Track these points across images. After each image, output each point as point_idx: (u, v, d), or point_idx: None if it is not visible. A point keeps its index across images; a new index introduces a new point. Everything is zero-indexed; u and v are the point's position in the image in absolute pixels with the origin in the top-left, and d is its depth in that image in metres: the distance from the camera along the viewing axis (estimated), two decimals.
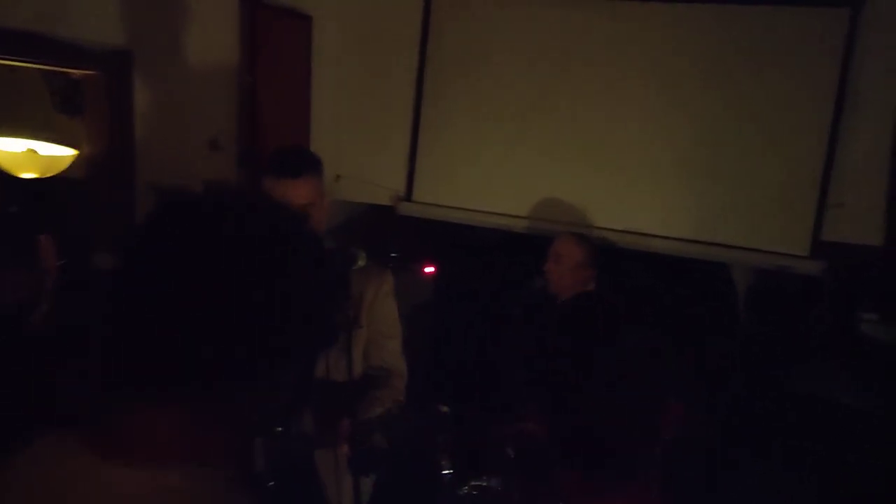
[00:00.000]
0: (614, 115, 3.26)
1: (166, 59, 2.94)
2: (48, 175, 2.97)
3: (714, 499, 2.40)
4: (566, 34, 3.33)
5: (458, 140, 3.56)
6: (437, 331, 3.45)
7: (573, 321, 1.17)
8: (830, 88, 2.90)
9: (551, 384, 1.09)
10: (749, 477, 2.42)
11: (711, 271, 3.22)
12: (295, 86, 3.43)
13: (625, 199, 3.26)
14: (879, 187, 2.86)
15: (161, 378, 0.75)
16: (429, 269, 3.64)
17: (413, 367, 2.27)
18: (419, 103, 3.62)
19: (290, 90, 3.41)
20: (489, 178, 3.49)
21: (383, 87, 3.71)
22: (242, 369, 0.76)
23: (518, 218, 3.42)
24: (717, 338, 3.04)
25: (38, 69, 3.01)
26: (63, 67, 2.85)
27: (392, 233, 3.66)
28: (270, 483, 1.70)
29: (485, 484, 2.38)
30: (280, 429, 1.77)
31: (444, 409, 2.10)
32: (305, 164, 2.03)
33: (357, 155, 3.67)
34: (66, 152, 2.99)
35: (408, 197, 3.66)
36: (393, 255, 3.74)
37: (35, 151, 2.92)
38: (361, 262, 1.95)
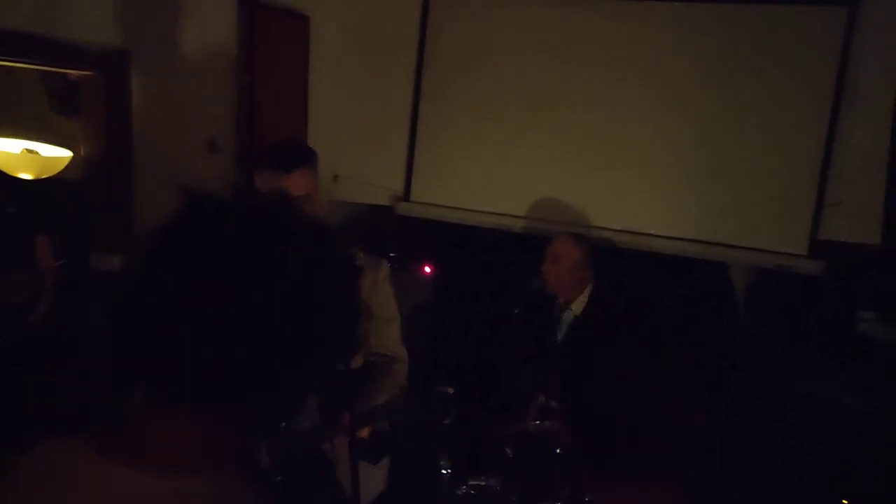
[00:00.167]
0: (613, 114, 3.26)
1: (164, 60, 2.93)
2: (45, 176, 2.95)
3: (713, 498, 2.40)
4: (566, 34, 3.33)
5: (456, 140, 3.56)
6: (436, 331, 3.44)
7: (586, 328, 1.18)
8: (828, 87, 2.90)
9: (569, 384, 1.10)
10: (749, 477, 2.42)
11: (710, 271, 3.22)
12: (293, 86, 3.43)
13: (623, 199, 3.26)
14: (877, 186, 2.86)
15: (187, 381, 0.74)
16: (427, 270, 3.63)
17: (413, 366, 2.27)
18: (417, 103, 3.62)
19: (288, 90, 3.41)
20: (488, 177, 3.49)
21: (382, 86, 3.70)
22: (268, 374, 0.75)
23: (517, 218, 3.42)
24: (718, 338, 3.04)
25: (36, 70, 3.00)
26: (60, 68, 2.84)
27: (390, 233, 3.66)
28: (278, 478, 1.70)
29: (483, 483, 2.38)
30: (284, 424, 1.76)
31: (450, 389, 2.10)
32: (299, 157, 2.04)
33: (355, 155, 3.66)
34: (64, 153, 2.98)
35: (406, 197, 3.66)
36: (391, 255, 3.73)
37: (32, 152, 2.90)
38: (361, 264, 1.97)
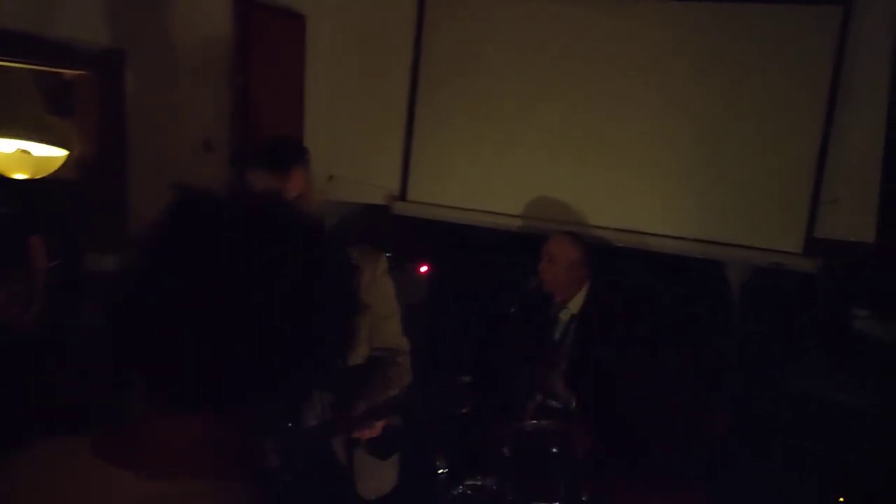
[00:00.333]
0: (611, 112, 3.26)
1: (159, 59, 2.92)
2: (40, 176, 2.94)
3: (713, 498, 2.40)
4: (564, 32, 3.33)
5: (453, 138, 3.55)
6: (433, 331, 3.44)
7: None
8: (824, 86, 2.91)
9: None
10: (748, 476, 2.42)
11: (706, 269, 3.23)
12: (289, 85, 3.42)
13: (620, 197, 3.26)
14: (872, 184, 2.86)
15: (186, 382, 0.74)
16: (423, 269, 3.63)
17: (413, 365, 2.26)
18: (414, 102, 3.61)
19: (284, 90, 3.40)
20: (485, 176, 3.49)
21: (377, 86, 3.70)
22: (264, 373, 0.75)
23: (515, 217, 3.42)
24: (714, 336, 3.04)
25: (29, 70, 2.99)
26: (54, 68, 2.83)
27: (386, 232, 3.65)
28: (286, 479, 1.69)
29: (479, 483, 2.38)
30: (290, 424, 1.76)
31: (466, 378, 2.10)
32: (291, 156, 2.04)
33: (351, 154, 3.66)
34: (58, 153, 2.96)
35: (402, 196, 3.65)
36: (387, 254, 3.72)
37: (26, 152, 2.89)
38: (358, 262, 1.98)
